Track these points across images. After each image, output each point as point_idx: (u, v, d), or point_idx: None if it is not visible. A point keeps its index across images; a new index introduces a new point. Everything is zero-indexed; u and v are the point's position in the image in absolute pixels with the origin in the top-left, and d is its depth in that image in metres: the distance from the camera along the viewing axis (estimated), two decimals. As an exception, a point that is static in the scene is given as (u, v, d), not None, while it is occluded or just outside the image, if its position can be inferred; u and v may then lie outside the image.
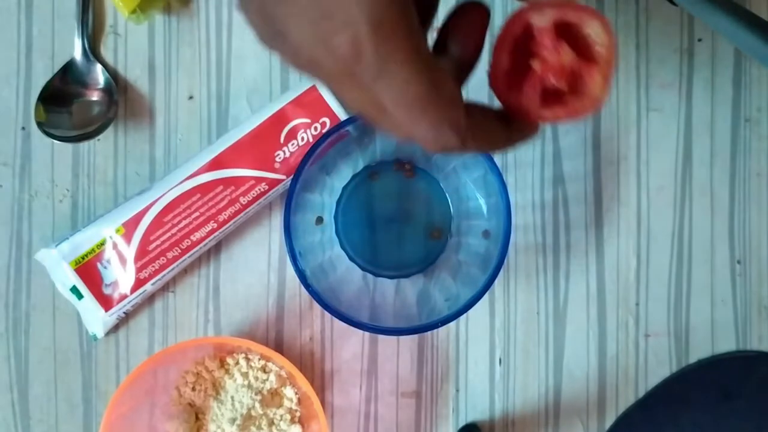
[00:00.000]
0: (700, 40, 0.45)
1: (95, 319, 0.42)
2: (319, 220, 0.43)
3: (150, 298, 0.44)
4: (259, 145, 0.41)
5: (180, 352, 0.40)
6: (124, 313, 0.42)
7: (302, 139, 0.41)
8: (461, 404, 0.45)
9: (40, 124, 0.42)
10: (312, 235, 0.42)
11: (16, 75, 0.44)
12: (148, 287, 0.42)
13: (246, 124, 0.41)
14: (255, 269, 0.45)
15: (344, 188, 0.45)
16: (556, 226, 0.45)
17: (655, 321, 0.45)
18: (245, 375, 0.43)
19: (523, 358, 0.45)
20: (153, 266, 0.41)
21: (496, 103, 0.29)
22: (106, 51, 0.44)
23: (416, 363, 0.45)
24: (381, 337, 0.45)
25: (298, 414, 0.43)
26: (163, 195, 0.41)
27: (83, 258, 0.41)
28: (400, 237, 0.45)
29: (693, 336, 0.45)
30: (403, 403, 0.45)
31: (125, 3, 0.41)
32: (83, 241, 0.41)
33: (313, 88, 0.41)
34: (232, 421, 0.42)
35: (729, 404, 0.45)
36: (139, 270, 0.41)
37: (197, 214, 0.41)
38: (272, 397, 0.43)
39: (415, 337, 0.45)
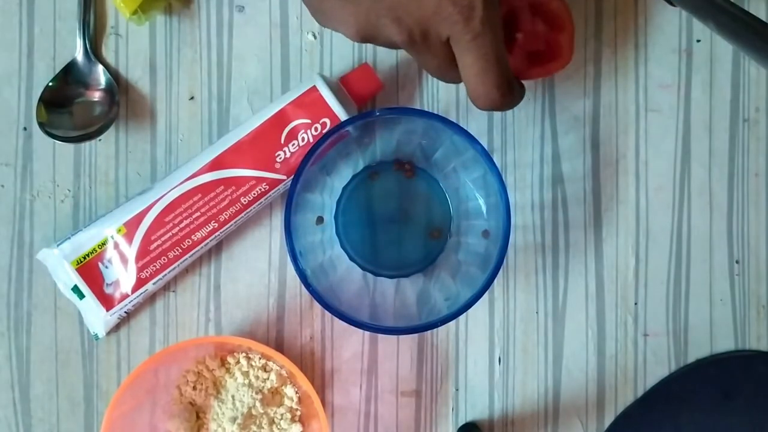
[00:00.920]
0: (698, 40, 0.46)
1: (96, 318, 0.42)
2: (320, 220, 0.43)
3: (151, 298, 0.44)
4: (259, 145, 0.41)
5: (181, 351, 0.41)
6: (125, 312, 0.43)
7: (303, 139, 0.41)
8: (461, 403, 0.45)
9: (41, 125, 0.42)
10: (312, 234, 0.42)
11: (17, 75, 0.44)
12: (150, 287, 0.42)
13: (247, 124, 0.41)
14: (256, 269, 0.45)
15: (344, 188, 0.45)
16: (555, 225, 0.45)
17: (654, 320, 0.45)
18: (246, 374, 0.43)
19: (522, 357, 0.45)
20: (154, 266, 0.41)
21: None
22: (107, 52, 0.44)
23: (416, 362, 0.45)
24: (381, 336, 0.45)
25: (298, 413, 0.44)
26: (165, 195, 0.41)
27: (85, 258, 0.41)
28: (400, 237, 0.45)
29: (692, 335, 0.46)
30: (402, 402, 0.45)
31: (126, 4, 0.42)
32: (85, 240, 0.41)
33: (314, 89, 0.41)
34: (233, 420, 0.42)
35: (728, 404, 0.45)
36: (140, 269, 0.41)
37: (198, 214, 0.41)
38: (273, 396, 0.43)
39: (415, 336, 0.45)
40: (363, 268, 0.45)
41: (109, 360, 0.44)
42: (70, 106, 0.43)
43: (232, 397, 0.43)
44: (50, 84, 0.43)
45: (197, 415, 0.44)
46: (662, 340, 0.45)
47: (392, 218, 0.45)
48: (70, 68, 0.44)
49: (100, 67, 0.44)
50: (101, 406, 0.44)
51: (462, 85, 0.45)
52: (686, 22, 0.46)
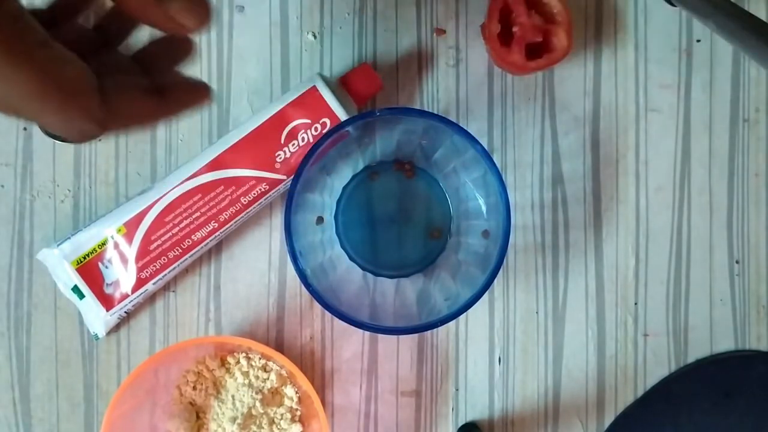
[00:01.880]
0: (698, 40, 0.46)
1: (96, 318, 0.42)
2: (320, 220, 0.43)
3: (151, 298, 0.44)
4: (259, 145, 0.41)
5: (181, 351, 0.41)
6: (125, 312, 0.43)
7: (302, 139, 0.41)
8: (461, 403, 0.45)
9: (41, 125, 0.42)
10: (312, 234, 0.42)
11: (17, 75, 0.44)
12: (150, 287, 0.42)
13: (247, 124, 0.41)
14: (256, 269, 0.45)
15: (344, 188, 0.45)
16: (555, 225, 0.45)
17: (654, 320, 0.45)
18: (246, 374, 0.43)
19: (522, 357, 0.45)
20: (154, 266, 0.41)
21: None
22: (107, 52, 0.44)
23: (416, 362, 0.45)
24: (381, 336, 0.45)
25: (298, 413, 0.44)
26: (165, 195, 0.41)
27: (85, 258, 0.41)
28: (400, 237, 0.45)
29: (692, 335, 0.46)
30: (402, 402, 0.45)
31: (126, 4, 0.42)
32: (85, 240, 0.41)
33: (314, 89, 0.41)
34: (233, 420, 0.42)
35: (728, 403, 0.45)
36: (140, 269, 0.41)
37: (198, 214, 0.41)
38: (273, 396, 0.43)
39: (415, 336, 0.45)
40: (363, 268, 0.45)
41: (109, 360, 0.44)
42: (70, 106, 0.43)
43: (232, 397, 0.43)
44: (50, 84, 0.43)
45: (197, 415, 0.44)
46: (662, 340, 0.45)
47: (392, 218, 0.45)
48: (70, 68, 0.43)
49: (100, 67, 0.44)
50: (101, 406, 0.44)
51: (462, 85, 0.45)
52: (686, 22, 0.46)
